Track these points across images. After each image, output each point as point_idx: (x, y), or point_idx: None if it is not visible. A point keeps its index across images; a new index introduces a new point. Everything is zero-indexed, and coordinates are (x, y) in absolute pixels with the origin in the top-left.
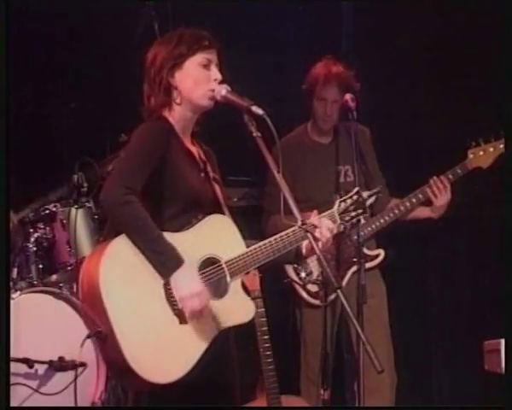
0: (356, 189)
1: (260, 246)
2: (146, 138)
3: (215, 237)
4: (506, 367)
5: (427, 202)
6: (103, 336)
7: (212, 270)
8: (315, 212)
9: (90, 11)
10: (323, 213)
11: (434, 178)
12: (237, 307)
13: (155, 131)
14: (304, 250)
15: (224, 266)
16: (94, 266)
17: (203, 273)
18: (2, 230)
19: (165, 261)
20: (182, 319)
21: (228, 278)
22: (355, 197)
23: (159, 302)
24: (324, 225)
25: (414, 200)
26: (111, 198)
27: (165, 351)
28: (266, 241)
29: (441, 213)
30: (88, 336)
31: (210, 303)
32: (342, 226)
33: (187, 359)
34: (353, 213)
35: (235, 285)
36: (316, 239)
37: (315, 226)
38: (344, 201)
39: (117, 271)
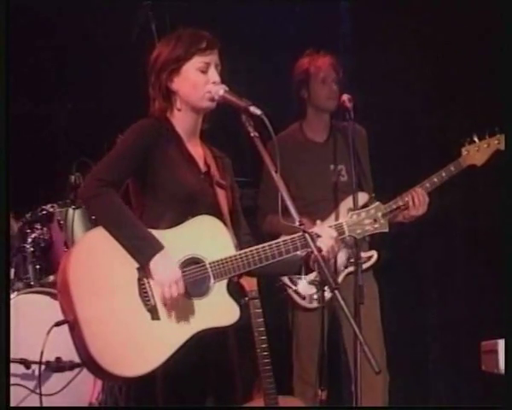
0: (376, 203)
1: (252, 251)
2: (130, 134)
3: (202, 237)
4: (506, 367)
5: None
6: (71, 326)
7: (195, 269)
8: (318, 222)
9: (87, 11)
10: (331, 224)
11: (415, 188)
12: (219, 310)
13: (142, 128)
14: (311, 262)
15: (207, 266)
16: (66, 257)
17: (184, 271)
18: (2, 230)
19: (143, 247)
20: (154, 315)
21: (211, 280)
22: (372, 211)
23: (131, 297)
24: (327, 233)
25: (400, 202)
26: (84, 192)
27: (132, 345)
28: (259, 246)
29: (412, 220)
30: (55, 325)
31: (188, 302)
32: (352, 239)
33: (156, 355)
34: (368, 228)
35: (219, 287)
36: (314, 241)
37: (317, 235)
38: (358, 214)
39: (88, 263)
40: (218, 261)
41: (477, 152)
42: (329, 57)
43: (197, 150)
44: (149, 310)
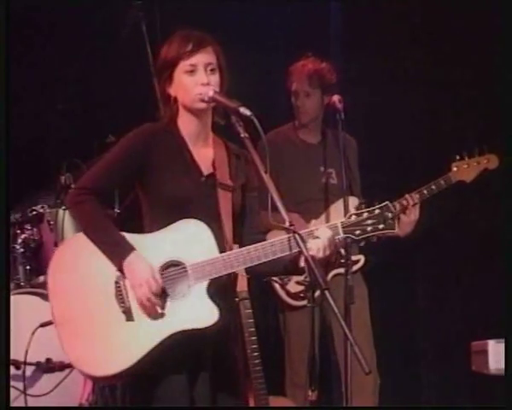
0: (385, 202)
1: (236, 253)
2: (125, 141)
3: (184, 240)
4: (506, 367)
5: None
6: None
7: (175, 271)
8: (313, 222)
9: (76, 12)
10: (326, 224)
11: (406, 195)
12: (196, 311)
13: (138, 136)
14: (301, 263)
15: (188, 268)
16: (51, 259)
17: (163, 273)
18: (2, 230)
19: (115, 250)
20: (128, 316)
21: (191, 281)
22: (377, 211)
23: (107, 299)
24: (324, 234)
25: (398, 207)
26: (67, 199)
27: (105, 346)
28: (243, 249)
29: (407, 232)
30: (40, 326)
31: (166, 303)
32: (348, 240)
33: (129, 355)
34: (371, 228)
35: (199, 289)
36: (304, 242)
37: (315, 237)
38: (358, 215)
39: (67, 265)
40: (198, 264)
41: (466, 168)
42: (315, 64)
43: (204, 152)
44: (124, 312)
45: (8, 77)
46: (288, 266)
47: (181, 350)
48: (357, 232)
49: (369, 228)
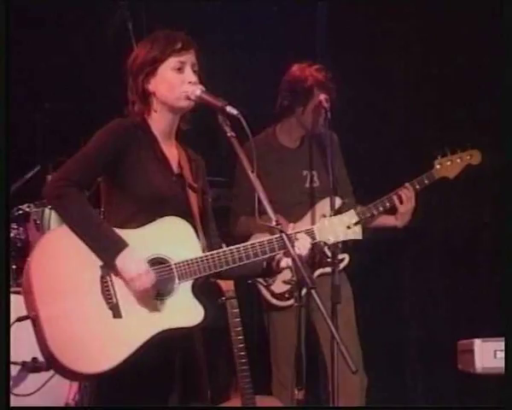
0: (350, 211)
1: (219, 253)
2: (101, 134)
3: (168, 238)
4: (506, 367)
5: (392, 211)
6: (33, 323)
7: (159, 269)
8: (291, 225)
9: (63, 11)
10: (302, 229)
11: (406, 184)
12: (182, 310)
13: (114, 129)
14: (278, 264)
15: (172, 267)
16: (30, 256)
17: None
18: (2, 229)
19: (108, 246)
20: (116, 313)
21: (176, 280)
22: (345, 218)
23: (93, 295)
24: (304, 240)
25: (380, 207)
26: (49, 191)
27: (93, 343)
28: (226, 249)
29: (405, 222)
30: (17, 320)
31: (152, 301)
32: (323, 244)
33: (116, 352)
34: (341, 234)
35: (184, 288)
36: (291, 240)
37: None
38: (329, 220)
39: (50, 261)
40: (183, 262)
41: (449, 165)
42: (328, 75)
43: (172, 152)
44: (111, 308)
45: (8, 77)
46: (267, 268)
47: (159, 349)
48: (330, 237)
49: (339, 233)
